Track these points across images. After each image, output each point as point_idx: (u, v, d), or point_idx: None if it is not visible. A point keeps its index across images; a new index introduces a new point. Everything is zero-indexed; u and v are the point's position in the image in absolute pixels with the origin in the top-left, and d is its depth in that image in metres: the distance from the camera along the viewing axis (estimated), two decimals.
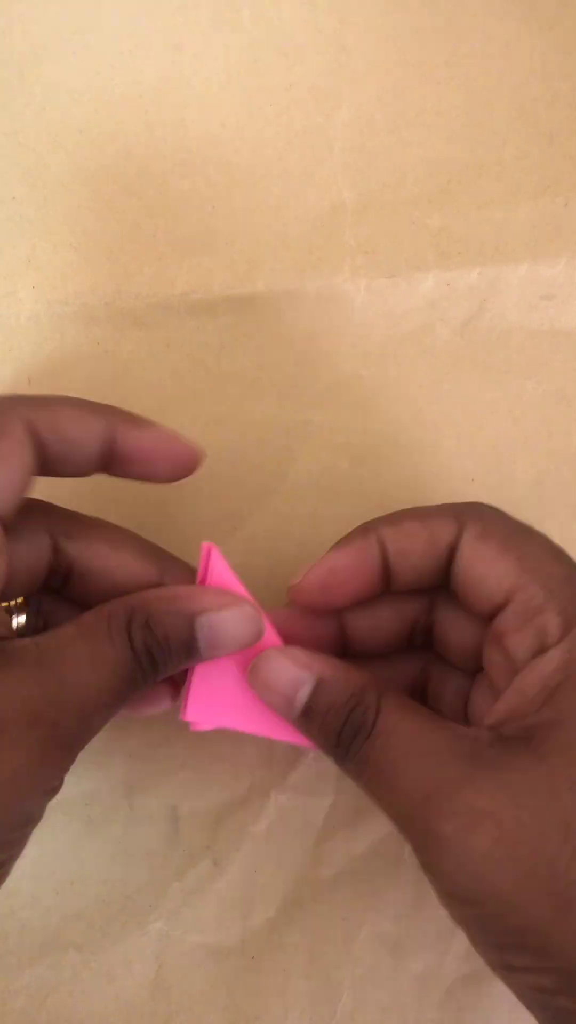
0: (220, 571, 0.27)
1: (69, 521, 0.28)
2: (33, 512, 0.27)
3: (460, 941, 0.32)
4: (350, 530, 0.28)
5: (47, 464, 0.26)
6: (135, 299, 0.33)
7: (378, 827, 0.33)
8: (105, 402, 0.33)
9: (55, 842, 0.32)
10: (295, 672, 0.25)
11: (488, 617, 0.26)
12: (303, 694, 0.25)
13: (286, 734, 0.26)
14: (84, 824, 0.32)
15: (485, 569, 0.26)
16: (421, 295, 0.33)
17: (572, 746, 0.23)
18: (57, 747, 0.23)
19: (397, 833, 0.26)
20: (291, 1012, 0.32)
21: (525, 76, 0.34)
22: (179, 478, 0.28)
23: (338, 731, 0.25)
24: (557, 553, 0.26)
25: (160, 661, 0.24)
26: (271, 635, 0.27)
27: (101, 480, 0.33)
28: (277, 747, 0.33)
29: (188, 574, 0.28)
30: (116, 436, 0.27)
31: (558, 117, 0.33)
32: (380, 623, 0.29)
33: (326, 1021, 0.32)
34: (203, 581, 0.27)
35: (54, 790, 0.24)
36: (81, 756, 0.32)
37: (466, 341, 0.33)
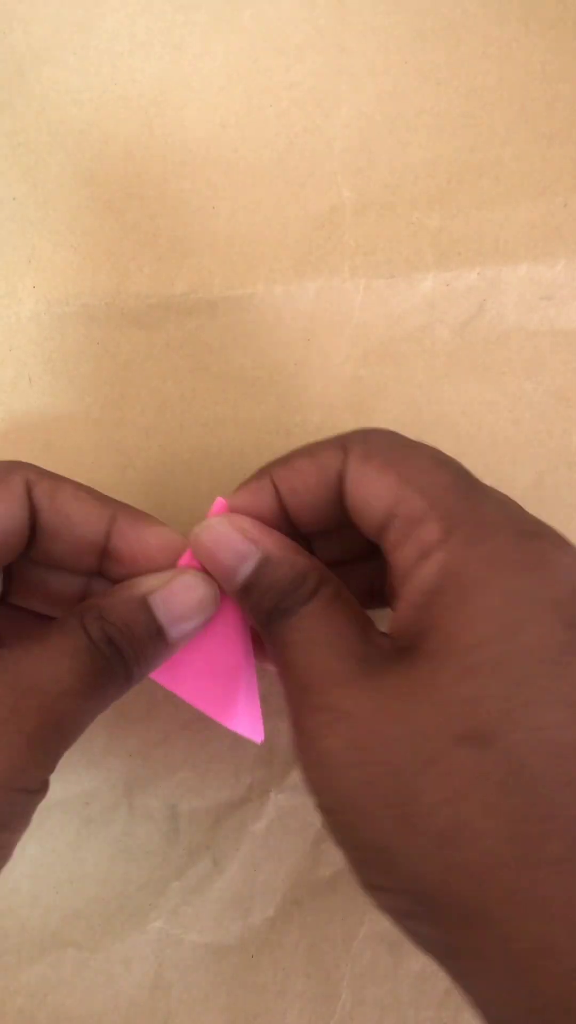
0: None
1: (35, 471, 0.27)
2: (14, 468, 0.27)
3: None
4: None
5: (44, 536, 0.26)
6: (135, 299, 0.33)
7: None
8: (105, 402, 0.33)
9: (55, 841, 0.32)
10: (242, 545, 0.25)
11: (380, 538, 0.25)
12: (246, 568, 0.25)
13: (231, 722, 0.27)
14: (84, 823, 0.33)
15: (367, 490, 0.24)
16: (420, 295, 0.33)
17: (441, 652, 0.21)
18: (27, 744, 0.22)
19: None
20: (290, 1011, 0.32)
21: (525, 77, 0.34)
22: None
23: (269, 609, 0.24)
24: (442, 461, 0.25)
25: (127, 649, 0.24)
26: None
27: (101, 483, 0.33)
28: (277, 747, 0.33)
29: (135, 513, 0.27)
30: (114, 529, 0.26)
31: (558, 118, 0.33)
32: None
33: (325, 1020, 0.32)
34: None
35: (33, 791, 0.23)
36: (81, 756, 0.33)
37: (465, 341, 0.33)
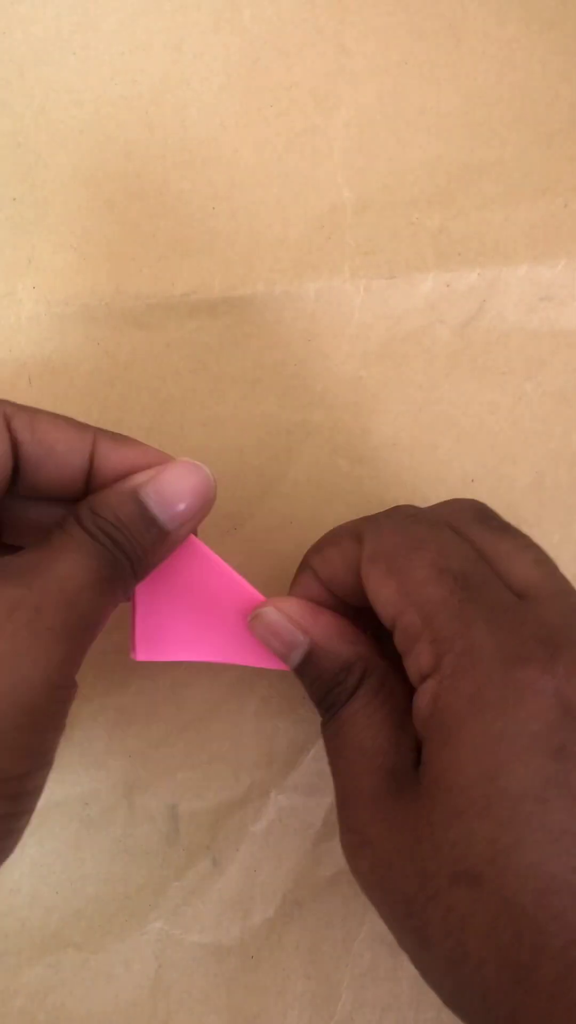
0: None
1: (13, 406, 0.27)
2: None
3: None
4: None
5: (27, 468, 0.26)
6: (135, 299, 0.33)
7: None
8: (105, 402, 0.33)
9: (55, 841, 0.32)
10: (291, 635, 0.26)
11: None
12: (296, 656, 0.26)
13: (239, 657, 0.27)
14: (84, 824, 0.32)
15: (376, 593, 0.26)
16: (421, 296, 0.33)
17: (433, 789, 0.22)
18: (48, 633, 0.23)
19: None
20: (290, 1011, 0.32)
21: (525, 77, 0.34)
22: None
23: (318, 700, 0.26)
24: (441, 569, 0.25)
25: (124, 541, 0.24)
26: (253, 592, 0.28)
27: None
28: (277, 747, 0.33)
29: (115, 435, 0.27)
30: (97, 451, 0.27)
31: (558, 118, 0.33)
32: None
33: (325, 1020, 0.32)
34: None
35: (68, 687, 0.23)
36: (81, 756, 0.33)
37: (465, 342, 0.33)
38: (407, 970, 0.32)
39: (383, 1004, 0.32)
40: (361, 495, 0.33)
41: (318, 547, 0.28)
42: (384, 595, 0.25)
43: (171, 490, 0.25)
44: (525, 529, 0.33)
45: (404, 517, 0.27)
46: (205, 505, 0.26)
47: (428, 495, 0.33)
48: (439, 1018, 0.32)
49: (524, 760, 0.21)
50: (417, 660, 0.24)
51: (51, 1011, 0.32)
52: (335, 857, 0.33)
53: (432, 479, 0.33)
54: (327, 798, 0.33)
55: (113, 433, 0.27)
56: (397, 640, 0.25)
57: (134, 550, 0.25)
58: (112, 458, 0.26)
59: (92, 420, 0.33)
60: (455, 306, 0.33)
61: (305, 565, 0.29)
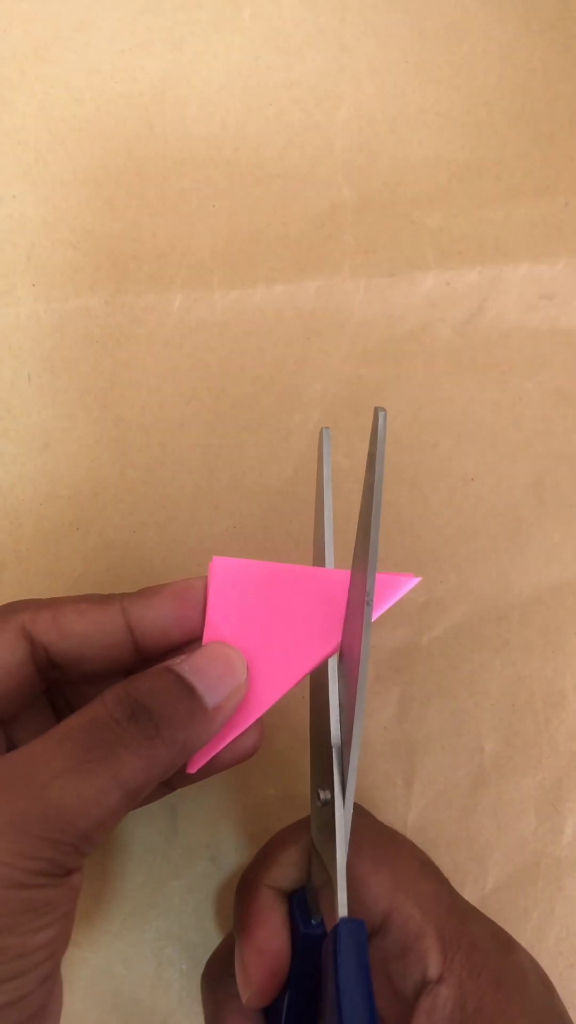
0: (222, 586, 0.26)
1: (30, 608, 0.27)
2: (6, 614, 0.26)
3: None
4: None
5: (70, 664, 0.26)
6: (135, 298, 0.33)
7: None
8: (104, 401, 0.33)
9: None
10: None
11: (369, 935, 0.25)
12: None
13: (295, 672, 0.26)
14: None
15: (364, 882, 0.25)
16: (421, 294, 0.33)
17: None
18: (10, 832, 0.20)
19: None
20: None
21: (525, 76, 0.34)
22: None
23: None
24: (424, 862, 0.26)
25: (153, 705, 0.23)
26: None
27: (100, 482, 0.33)
28: (276, 748, 0.33)
29: (142, 595, 0.27)
30: (130, 619, 0.26)
31: (558, 117, 0.33)
32: None
33: None
34: (207, 594, 0.27)
35: (25, 886, 0.20)
36: None
37: (466, 340, 0.33)
38: None
39: None
40: (361, 494, 0.33)
41: (267, 860, 0.28)
42: (375, 886, 0.25)
43: (206, 664, 0.24)
44: (525, 528, 0.33)
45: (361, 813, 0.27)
46: (241, 680, 0.25)
47: (428, 494, 0.33)
48: None
49: None
50: (423, 960, 0.24)
51: None
52: None
53: (433, 478, 0.33)
54: None
55: (138, 593, 0.26)
56: (393, 935, 0.25)
57: (164, 714, 0.23)
58: (147, 618, 0.26)
59: (91, 418, 0.33)
60: (455, 305, 0.33)
61: (255, 883, 0.28)
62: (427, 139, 0.33)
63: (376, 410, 0.21)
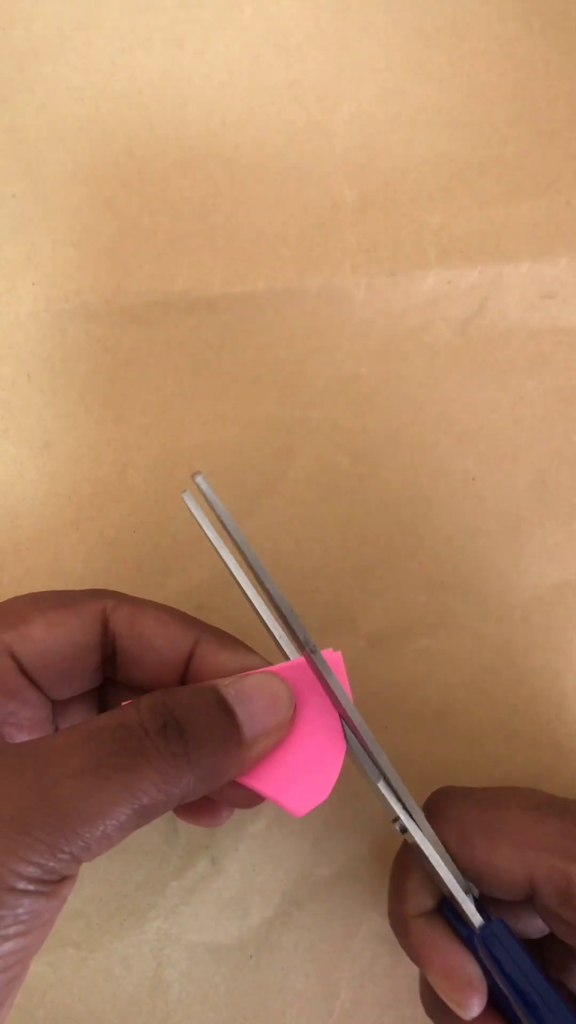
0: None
1: (116, 598, 0.27)
2: (94, 595, 0.26)
3: None
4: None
5: (125, 661, 0.26)
6: (135, 296, 0.33)
7: (376, 827, 0.33)
8: (105, 400, 0.33)
9: None
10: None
11: (530, 900, 0.26)
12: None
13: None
14: None
15: (491, 870, 0.25)
16: (422, 293, 0.33)
17: None
18: (11, 831, 0.20)
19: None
20: (289, 1010, 0.32)
21: (527, 75, 0.33)
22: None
23: None
24: (533, 811, 0.26)
25: (187, 722, 0.22)
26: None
27: (103, 480, 0.33)
28: None
29: (220, 636, 0.26)
30: (197, 652, 0.26)
31: (559, 116, 0.33)
32: None
33: (324, 1019, 0.32)
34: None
35: (17, 890, 0.20)
36: None
37: (467, 340, 0.33)
38: (405, 968, 0.32)
39: (382, 1002, 0.32)
40: (361, 493, 0.33)
41: (398, 897, 0.28)
42: (502, 863, 0.25)
43: (252, 691, 0.24)
44: (526, 528, 0.33)
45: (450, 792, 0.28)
46: (285, 717, 0.24)
47: (429, 493, 0.33)
48: None
49: None
50: None
51: (50, 1009, 0.32)
52: (333, 857, 0.33)
53: (432, 477, 0.33)
54: None
55: (219, 633, 0.26)
56: (546, 890, 0.25)
57: (197, 735, 0.22)
58: (212, 661, 0.26)
59: (92, 418, 0.33)
60: (456, 304, 0.33)
61: (404, 920, 0.27)
62: (428, 138, 0.33)
63: (193, 476, 0.20)
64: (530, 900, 0.26)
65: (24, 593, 0.27)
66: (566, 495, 0.33)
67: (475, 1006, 0.26)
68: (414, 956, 0.27)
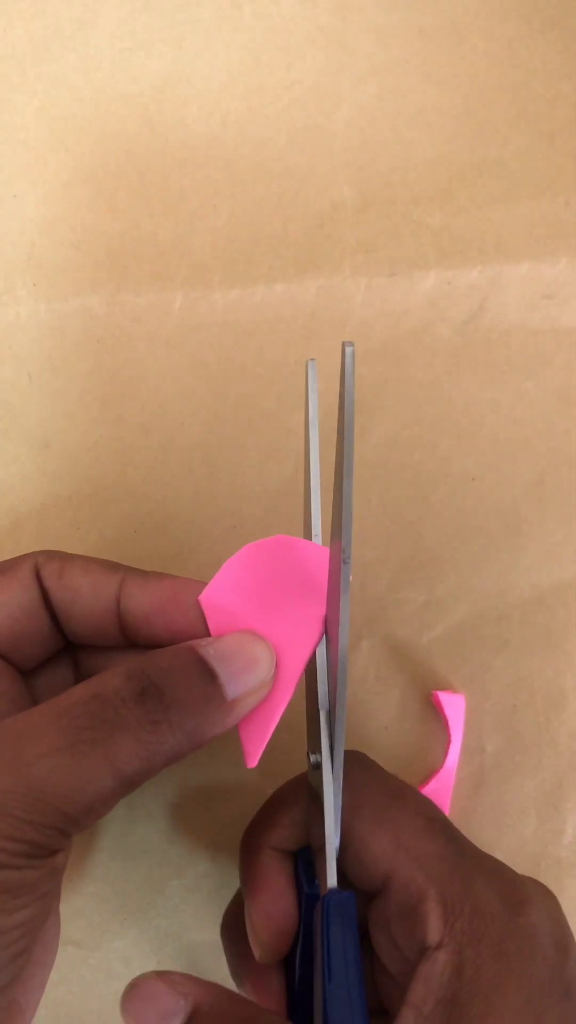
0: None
1: (46, 555, 0.27)
2: (25, 556, 0.27)
3: None
4: None
5: (61, 615, 0.26)
6: (135, 297, 0.33)
7: None
8: (105, 400, 0.33)
9: None
10: (169, 1000, 0.22)
11: (370, 895, 0.25)
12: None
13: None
14: None
15: (364, 844, 0.25)
16: (421, 294, 0.33)
17: None
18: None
19: None
20: None
21: (526, 75, 0.33)
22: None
23: None
24: (431, 819, 0.25)
25: (168, 687, 0.22)
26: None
27: (100, 481, 0.33)
28: (276, 749, 0.33)
29: (143, 573, 0.26)
30: (123, 591, 0.26)
31: (559, 116, 0.33)
32: None
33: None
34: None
35: (1, 865, 0.20)
36: None
37: (466, 340, 0.33)
38: None
39: None
40: (361, 493, 0.33)
41: (268, 822, 0.27)
42: (375, 847, 0.24)
43: (233, 650, 0.23)
44: (526, 528, 0.33)
45: (358, 757, 0.27)
46: (266, 678, 0.24)
47: (429, 493, 0.33)
48: None
49: (552, 1010, 0.22)
50: (423, 925, 0.23)
51: (51, 1008, 0.32)
52: None
53: (433, 478, 0.33)
54: None
55: (144, 572, 0.26)
56: (395, 897, 0.24)
57: (178, 697, 0.22)
58: (138, 596, 0.25)
59: (91, 418, 0.33)
60: (456, 304, 0.33)
61: (258, 845, 0.27)
62: (428, 138, 0.33)
63: (344, 344, 0.20)
64: (368, 897, 0.25)
65: None
66: (566, 495, 0.33)
67: (271, 957, 0.26)
68: (249, 886, 0.27)
